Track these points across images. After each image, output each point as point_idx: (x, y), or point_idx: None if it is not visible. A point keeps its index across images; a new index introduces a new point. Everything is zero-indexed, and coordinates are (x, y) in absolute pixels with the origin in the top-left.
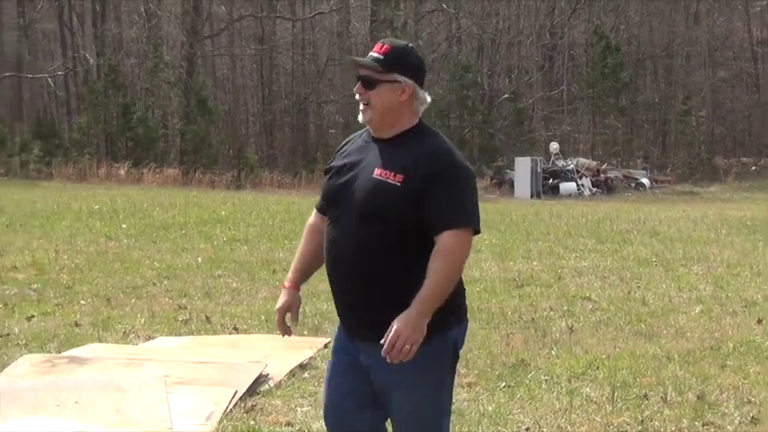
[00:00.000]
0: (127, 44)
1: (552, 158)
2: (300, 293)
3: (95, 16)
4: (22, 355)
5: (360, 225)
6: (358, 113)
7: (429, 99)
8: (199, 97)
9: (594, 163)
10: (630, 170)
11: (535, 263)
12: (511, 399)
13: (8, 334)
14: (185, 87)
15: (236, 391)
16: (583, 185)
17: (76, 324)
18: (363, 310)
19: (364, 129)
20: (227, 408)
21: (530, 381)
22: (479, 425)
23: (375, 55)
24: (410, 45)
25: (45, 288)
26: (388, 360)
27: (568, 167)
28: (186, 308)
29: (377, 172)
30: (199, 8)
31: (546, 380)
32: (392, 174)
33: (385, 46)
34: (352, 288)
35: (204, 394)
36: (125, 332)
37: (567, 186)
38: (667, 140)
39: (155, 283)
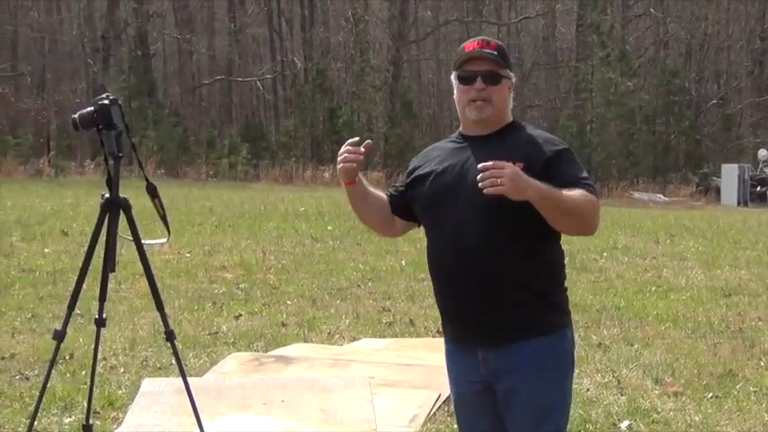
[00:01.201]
0: (334, 48)
1: (760, 166)
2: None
3: (304, 21)
4: (230, 353)
5: (483, 217)
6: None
7: None
8: (404, 101)
9: None
10: None
11: (743, 272)
12: (718, 410)
13: (217, 332)
14: (390, 91)
15: (439, 395)
16: None
17: (283, 324)
18: (489, 307)
19: (448, 138)
20: (430, 411)
21: (738, 392)
22: None
23: (488, 51)
24: None
25: (252, 288)
26: (477, 177)
27: None
28: (390, 310)
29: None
30: (405, 13)
31: (755, 391)
32: (511, 161)
33: (491, 43)
34: (476, 284)
35: (408, 396)
36: (330, 333)
37: None
38: None
39: (359, 285)
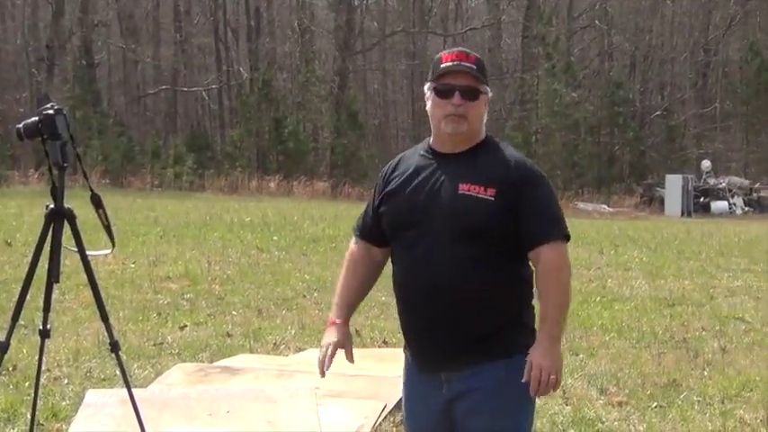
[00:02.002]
0: (280, 59)
1: (704, 176)
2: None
3: (250, 31)
4: (175, 364)
5: (453, 243)
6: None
7: None
8: (349, 111)
9: (747, 182)
10: None
11: (687, 282)
12: (662, 419)
13: (162, 343)
14: (336, 102)
15: (385, 405)
16: (735, 204)
17: (228, 334)
18: (456, 334)
19: (415, 148)
20: (376, 421)
21: (682, 401)
22: None
23: (467, 65)
24: None
25: (197, 298)
26: (535, 396)
27: (720, 186)
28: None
29: (463, 188)
30: (351, 23)
31: (698, 401)
32: (482, 188)
33: (471, 55)
34: (450, 309)
35: (354, 407)
36: (275, 343)
37: (719, 205)
38: None
39: (305, 296)
